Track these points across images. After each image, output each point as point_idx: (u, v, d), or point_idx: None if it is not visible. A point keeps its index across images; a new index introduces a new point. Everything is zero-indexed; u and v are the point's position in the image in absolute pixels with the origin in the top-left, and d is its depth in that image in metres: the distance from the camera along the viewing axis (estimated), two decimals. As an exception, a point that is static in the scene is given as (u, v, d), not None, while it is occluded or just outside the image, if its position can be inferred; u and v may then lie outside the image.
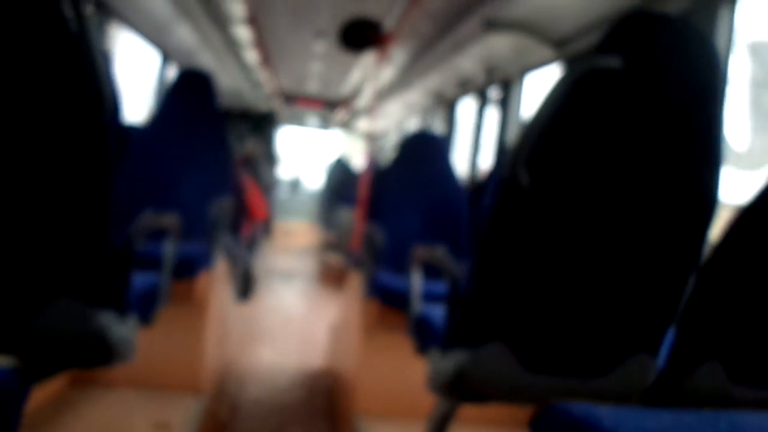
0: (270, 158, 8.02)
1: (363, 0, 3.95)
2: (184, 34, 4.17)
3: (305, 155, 10.81)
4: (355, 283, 2.53)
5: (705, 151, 1.08)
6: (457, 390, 1.23)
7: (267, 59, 5.92)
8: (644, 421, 0.80)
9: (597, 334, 1.18)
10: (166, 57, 4.20)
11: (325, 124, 10.08)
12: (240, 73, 6.43)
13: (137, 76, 4.33)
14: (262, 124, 8.76)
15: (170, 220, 1.67)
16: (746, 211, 1.08)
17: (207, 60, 5.02)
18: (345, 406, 2.35)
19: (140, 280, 1.54)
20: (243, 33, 4.83)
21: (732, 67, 1.96)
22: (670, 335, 1.19)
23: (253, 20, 4.53)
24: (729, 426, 0.82)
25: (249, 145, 5.58)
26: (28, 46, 0.90)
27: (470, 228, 2.59)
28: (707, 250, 1.15)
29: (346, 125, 9.98)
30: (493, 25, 3.16)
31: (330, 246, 5.92)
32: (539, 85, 3.59)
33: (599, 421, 0.79)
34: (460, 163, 4.38)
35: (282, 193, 9.54)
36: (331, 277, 5.42)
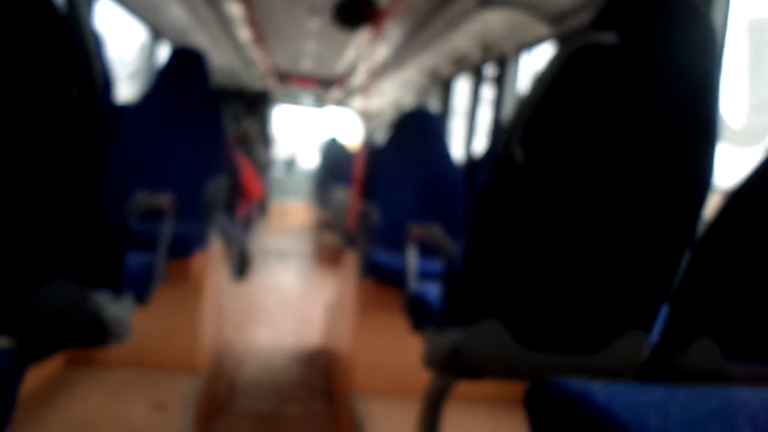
0: (265, 138, 7.99)
1: (357, -24, 3.91)
2: (176, 12, 4.12)
3: (301, 134, 10.77)
4: (351, 262, 2.54)
5: (700, 128, 1.08)
6: (452, 367, 1.24)
7: (260, 37, 5.86)
8: (637, 397, 0.80)
9: (591, 311, 1.19)
10: (158, 35, 4.15)
11: (320, 102, 10.02)
12: (233, 52, 6.38)
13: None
14: (257, 103, 8.71)
15: (164, 199, 1.66)
16: (741, 189, 1.08)
17: (199, 38, 4.97)
18: (341, 385, 2.37)
19: (135, 260, 1.54)
20: (236, 10, 4.78)
21: (729, 43, 1.95)
22: (663, 311, 1.20)
23: (246, -3, 4.48)
24: (721, 401, 0.82)
25: (244, 125, 5.56)
26: (15, 27, 0.89)
27: (466, 206, 2.59)
28: (702, 226, 1.15)
29: (341, 104, 9.93)
30: (488, 2, 3.13)
31: (325, 225, 5.92)
32: (536, 63, 3.57)
33: (592, 397, 0.80)
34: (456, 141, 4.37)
35: (277, 173, 9.52)
36: (327, 256, 5.43)
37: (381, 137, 5.97)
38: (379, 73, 6.46)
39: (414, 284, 1.75)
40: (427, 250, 1.80)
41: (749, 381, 1.12)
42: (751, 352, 1.14)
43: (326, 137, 7.50)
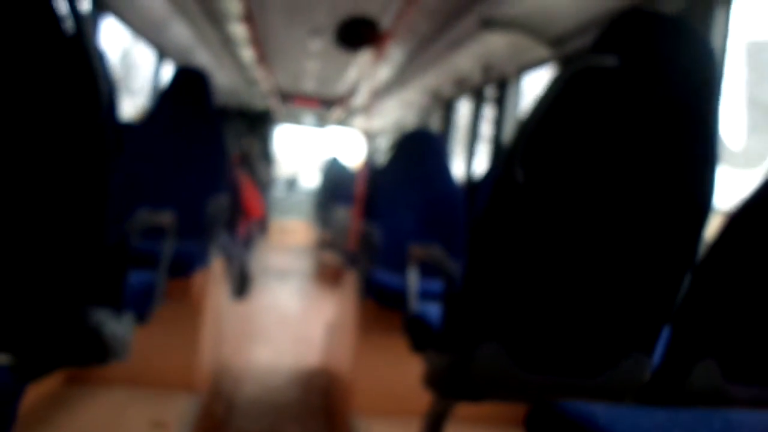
0: (266, 157, 8.02)
1: (359, -2, 3.96)
2: (180, 32, 4.16)
3: (302, 153, 10.81)
4: (351, 281, 2.53)
5: (700, 150, 1.09)
6: (452, 388, 1.23)
7: (263, 57, 5.91)
8: (639, 420, 0.80)
9: (592, 333, 1.18)
10: (162, 55, 4.19)
11: (322, 122, 10.07)
12: (236, 72, 6.42)
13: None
14: (259, 122, 8.76)
15: (166, 217, 1.67)
16: (741, 210, 1.08)
17: (203, 58, 5.01)
18: (341, 405, 2.35)
19: (136, 278, 1.54)
20: (239, 31, 4.83)
21: (728, 66, 1.97)
22: (665, 334, 1.19)
23: (249, 18, 4.52)
24: (723, 424, 0.82)
25: (245, 144, 5.59)
26: (21, 45, 0.90)
27: (466, 226, 2.59)
28: (702, 248, 1.15)
29: (342, 123, 9.97)
30: (489, 24, 3.16)
31: (326, 244, 5.92)
32: (537, 84, 3.59)
33: (594, 419, 0.79)
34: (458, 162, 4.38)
35: (278, 192, 9.54)
36: (328, 276, 5.42)
37: (382, 157, 5.98)
38: (381, 93, 6.50)
39: (414, 304, 1.75)
40: (428, 270, 1.80)
41: (751, 404, 1.11)
42: (753, 375, 1.14)
43: (327, 157, 7.53)
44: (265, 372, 2.99)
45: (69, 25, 0.92)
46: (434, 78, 4.91)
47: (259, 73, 6.70)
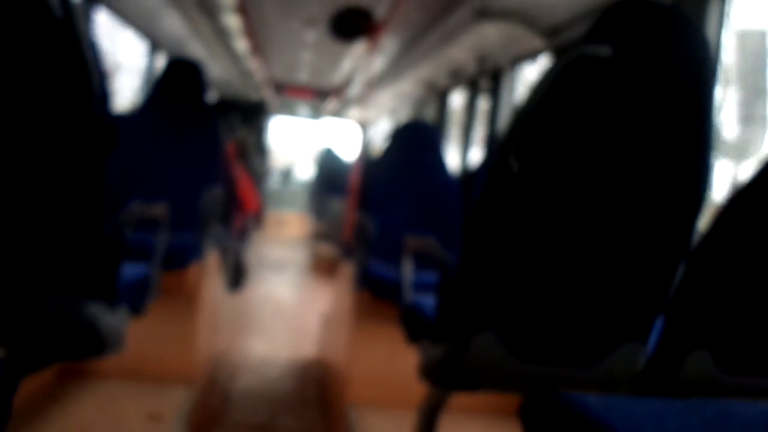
0: (261, 148, 8.01)
1: (353, -11, 3.94)
2: (173, 23, 4.13)
3: (297, 145, 10.78)
4: (347, 273, 2.53)
5: (694, 139, 1.09)
6: (448, 379, 1.24)
7: (257, 48, 5.88)
8: (633, 409, 0.81)
9: (586, 323, 1.19)
10: (155, 46, 4.16)
11: (317, 113, 10.04)
12: (230, 63, 6.39)
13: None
14: (253, 114, 8.72)
15: (160, 210, 1.66)
16: (735, 200, 1.09)
17: (196, 49, 4.98)
18: (337, 396, 2.36)
19: (131, 270, 1.54)
20: (233, 21, 4.80)
21: (723, 55, 1.97)
22: (659, 324, 1.20)
23: (243, 9, 4.49)
24: (717, 414, 0.83)
25: (240, 135, 5.57)
26: (11, 34, 0.89)
27: (461, 217, 2.59)
28: (696, 238, 1.15)
29: (337, 114, 9.95)
30: (484, 14, 3.15)
31: (321, 236, 5.92)
32: (532, 75, 3.59)
33: (588, 409, 0.80)
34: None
35: (274, 183, 9.52)
36: (323, 268, 5.42)
37: (376, 149, 5.97)
38: (376, 84, 6.48)
39: (410, 296, 1.75)
40: (423, 261, 1.80)
41: (744, 393, 1.12)
42: (746, 365, 1.14)
43: (322, 148, 7.52)
44: (261, 364, 3.00)
45: (59, 14, 0.91)
46: (429, 69, 4.90)
47: (253, 64, 6.67)
